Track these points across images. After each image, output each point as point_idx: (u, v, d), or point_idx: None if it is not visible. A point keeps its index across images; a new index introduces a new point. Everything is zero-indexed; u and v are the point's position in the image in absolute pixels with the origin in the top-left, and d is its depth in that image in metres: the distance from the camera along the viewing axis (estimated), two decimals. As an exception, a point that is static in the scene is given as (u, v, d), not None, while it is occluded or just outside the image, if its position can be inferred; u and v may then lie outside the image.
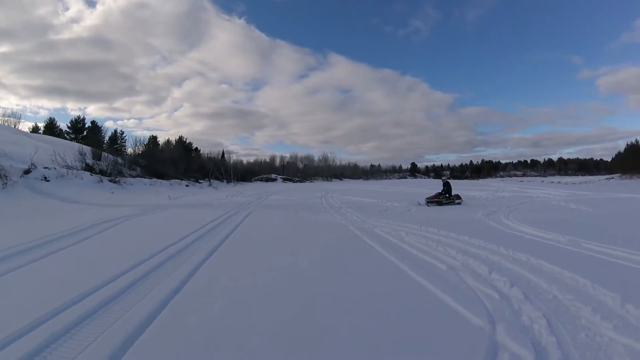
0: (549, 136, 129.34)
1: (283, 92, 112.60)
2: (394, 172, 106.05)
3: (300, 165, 71.53)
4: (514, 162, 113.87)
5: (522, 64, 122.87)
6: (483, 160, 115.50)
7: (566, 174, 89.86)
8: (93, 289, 3.80)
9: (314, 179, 60.95)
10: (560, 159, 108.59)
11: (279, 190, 28.12)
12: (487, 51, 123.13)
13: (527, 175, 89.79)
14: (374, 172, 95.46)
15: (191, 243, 6.28)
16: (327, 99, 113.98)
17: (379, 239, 6.72)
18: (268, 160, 70.96)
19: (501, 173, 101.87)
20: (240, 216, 10.11)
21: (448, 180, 14.31)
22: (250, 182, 45.62)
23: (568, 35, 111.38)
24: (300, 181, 54.47)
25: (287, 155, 78.75)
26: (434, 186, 23.43)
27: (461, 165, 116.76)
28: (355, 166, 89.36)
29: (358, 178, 75.35)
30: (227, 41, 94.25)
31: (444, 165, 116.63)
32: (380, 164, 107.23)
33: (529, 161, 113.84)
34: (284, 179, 53.13)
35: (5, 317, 3.16)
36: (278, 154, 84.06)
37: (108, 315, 3.22)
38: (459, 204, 13.70)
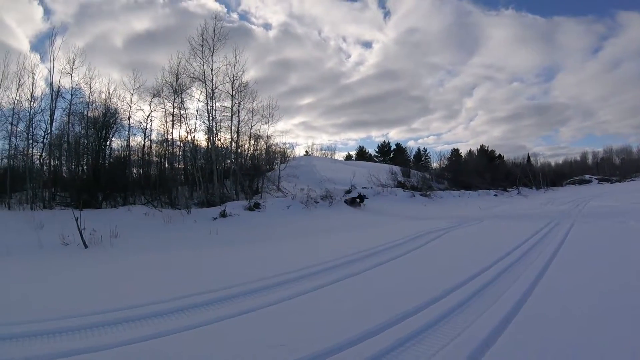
0: None
1: (579, 75, 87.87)
2: None
3: (617, 161, 59.20)
4: None
5: None
6: None
7: None
8: (452, 288, 3.99)
9: (636, 177, 48.28)
10: None
11: (596, 193, 25.27)
12: None
13: None
14: None
15: (520, 257, 5.60)
16: (631, 70, 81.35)
17: None
18: (579, 158, 62.07)
19: None
20: (563, 228, 8.87)
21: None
22: (562, 186, 41.48)
23: None
24: (619, 180, 45.65)
25: (600, 150, 62.58)
26: None
27: None
28: (689, 155, 64.83)
29: (694, 172, 58.35)
30: (503, 36, 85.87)
31: None
32: None
33: None
34: (600, 180, 45.86)
35: (393, 301, 3.66)
36: (589, 149, 68.14)
37: (470, 311, 3.33)
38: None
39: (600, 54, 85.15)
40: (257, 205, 14.08)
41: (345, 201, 17.28)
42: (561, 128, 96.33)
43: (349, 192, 19.09)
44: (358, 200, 17.37)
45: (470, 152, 45.55)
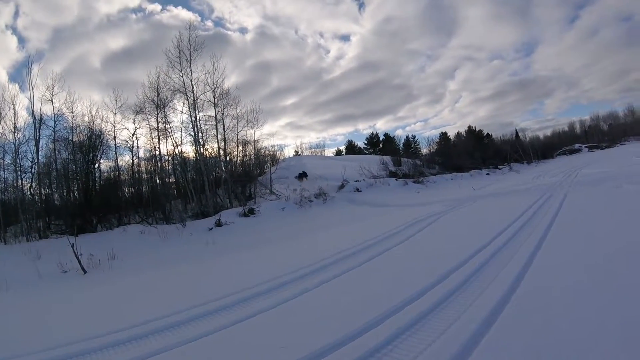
0: None
1: (559, 46, 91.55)
2: None
3: (605, 127, 60.33)
4: None
5: None
6: None
7: None
8: (448, 272, 4.02)
9: (625, 141, 48.73)
10: None
11: (587, 162, 25.37)
12: None
13: None
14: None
15: (517, 231, 5.71)
16: (609, 36, 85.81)
17: None
18: (567, 129, 63.11)
19: None
20: (557, 199, 8.89)
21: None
22: (552, 158, 42.27)
23: None
24: (609, 146, 46.56)
25: (587, 118, 64.76)
26: None
27: None
28: (673, 114, 66.00)
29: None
30: (480, 15, 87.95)
31: None
32: None
33: None
34: (590, 148, 46.97)
35: (400, 283, 3.95)
36: (576, 119, 71.39)
37: (466, 295, 3.38)
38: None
39: (577, 23, 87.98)
40: (251, 211, 14.20)
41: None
42: (546, 100, 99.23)
43: (342, 187, 19.23)
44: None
45: (458, 134, 45.79)
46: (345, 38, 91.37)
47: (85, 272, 7.73)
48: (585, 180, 12.97)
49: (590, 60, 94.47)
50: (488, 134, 47.55)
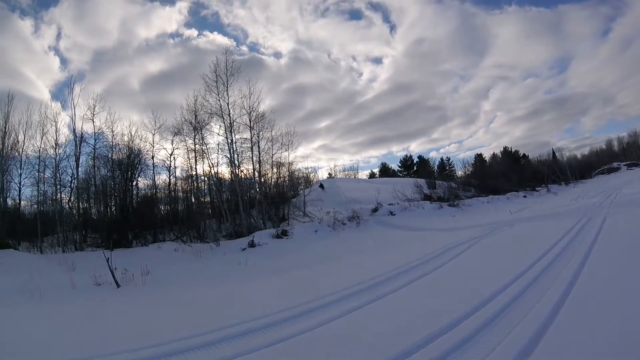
0: None
1: (593, 61, 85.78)
2: None
3: None
4: None
5: None
6: None
7: None
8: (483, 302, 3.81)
9: None
10: None
11: (627, 181, 24.79)
12: None
13: None
14: None
15: (555, 258, 5.52)
16: None
17: None
18: (604, 147, 61.40)
19: None
20: (596, 222, 8.69)
21: None
22: (591, 177, 41.44)
23: None
24: None
25: (624, 134, 61.74)
26: None
27: None
28: None
29: None
30: (511, 34, 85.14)
31: None
32: None
33: None
34: (629, 166, 45.41)
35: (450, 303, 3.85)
36: (613, 136, 70.10)
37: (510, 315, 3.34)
38: None
39: (610, 36, 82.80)
40: (284, 233, 13.95)
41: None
42: (582, 118, 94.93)
43: (375, 210, 18.85)
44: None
45: (494, 156, 44.79)
46: (378, 60, 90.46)
47: (118, 285, 7.49)
48: (625, 200, 12.67)
49: (625, 73, 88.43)
50: (524, 154, 46.88)
